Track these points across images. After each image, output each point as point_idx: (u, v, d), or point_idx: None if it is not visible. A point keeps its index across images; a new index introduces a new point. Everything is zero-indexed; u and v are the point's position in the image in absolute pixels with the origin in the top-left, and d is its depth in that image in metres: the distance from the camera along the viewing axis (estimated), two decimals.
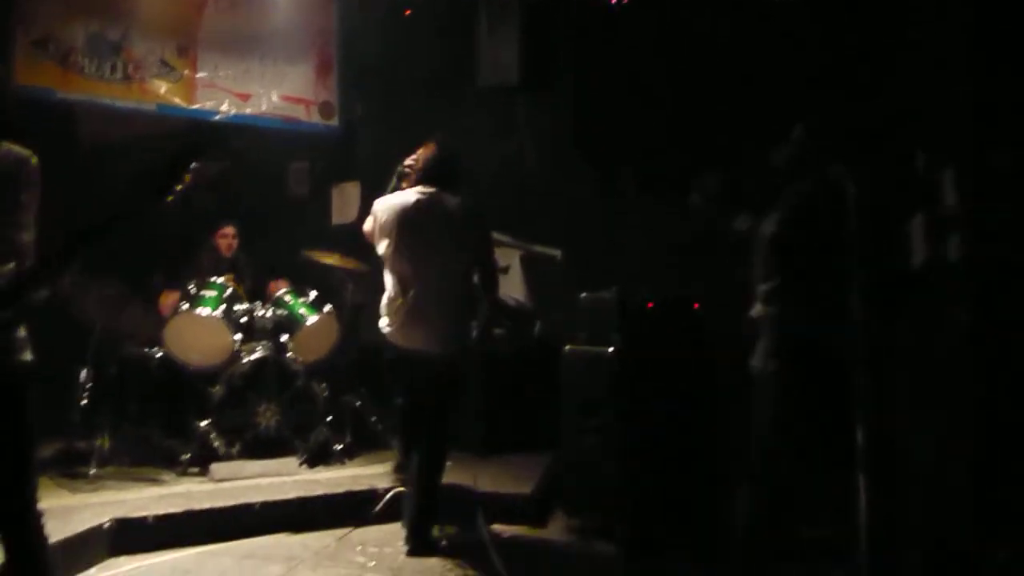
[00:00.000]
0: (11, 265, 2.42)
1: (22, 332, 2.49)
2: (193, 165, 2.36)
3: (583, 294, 4.71)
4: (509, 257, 6.59)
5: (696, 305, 4.78)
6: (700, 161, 5.67)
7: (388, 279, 4.14)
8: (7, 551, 2.48)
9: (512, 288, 6.58)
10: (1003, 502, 3.53)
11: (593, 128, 6.06)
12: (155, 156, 2.54)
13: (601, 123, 6.09)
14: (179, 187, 2.36)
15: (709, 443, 4.40)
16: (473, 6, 5.91)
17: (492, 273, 4.22)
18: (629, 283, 4.75)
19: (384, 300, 4.15)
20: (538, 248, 6.48)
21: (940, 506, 3.61)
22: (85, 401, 5.04)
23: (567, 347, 4.66)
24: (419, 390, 4.11)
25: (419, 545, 4.06)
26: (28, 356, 2.49)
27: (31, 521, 2.54)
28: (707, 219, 5.61)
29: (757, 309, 3.49)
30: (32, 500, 2.54)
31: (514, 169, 6.37)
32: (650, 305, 4.62)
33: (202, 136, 2.55)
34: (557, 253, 6.45)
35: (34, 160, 2.56)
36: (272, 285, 5.82)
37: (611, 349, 4.40)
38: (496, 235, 6.51)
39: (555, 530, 4.59)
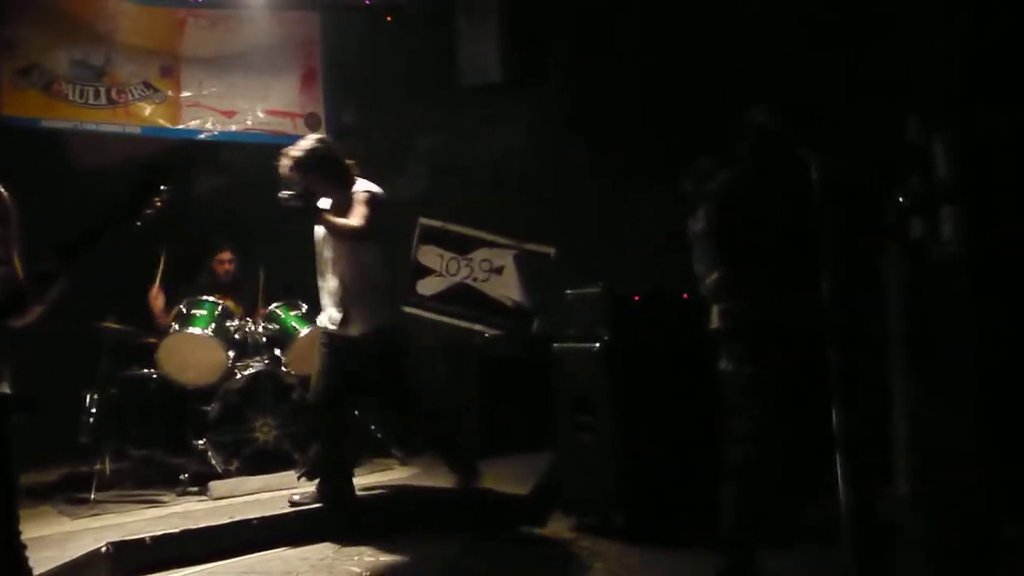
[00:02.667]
0: None
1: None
2: (163, 188, 2.37)
3: (569, 290, 4.68)
4: (503, 256, 6.58)
5: (685, 296, 4.73)
6: (691, 148, 5.64)
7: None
8: None
9: (507, 287, 6.57)
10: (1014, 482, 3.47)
11: (582, 120, 6.02)
12: (127, 179, 2.54)
13: (589, 114, 6.06)
14: (150, 210, 2.37)
15: (701, 433, 4.35)
16: (451, 8, 5.90)
17: None
18: (621, 277, 4.72)
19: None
20: (530, 246, 6.45)
21: (950, 487, 3.54)
22: (91, 423, 5.09)
23: (556, 344, 4.63)
24: None
25: None
26: (6, 388, 2.49)
27: (16, 551, 2.54)
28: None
29: (712, 311, 3.43)
30: (15, 531, 2.54)
31: (503, 168, 6.33)
32: (636, 298, 4.58)
33: (174, 158, 2.58)
34: (550, 250, 6.42)
35: (5, 194, 2.56)
36: (260, 311, 5.82)
37: (597, 344, 4.37)
38: (489, 235, 6.55)
39: (555, 529, 4.56)
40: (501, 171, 6.38)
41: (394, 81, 6.49)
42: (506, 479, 5.04)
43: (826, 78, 4.78)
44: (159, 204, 2.44)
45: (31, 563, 2.61)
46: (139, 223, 2.43)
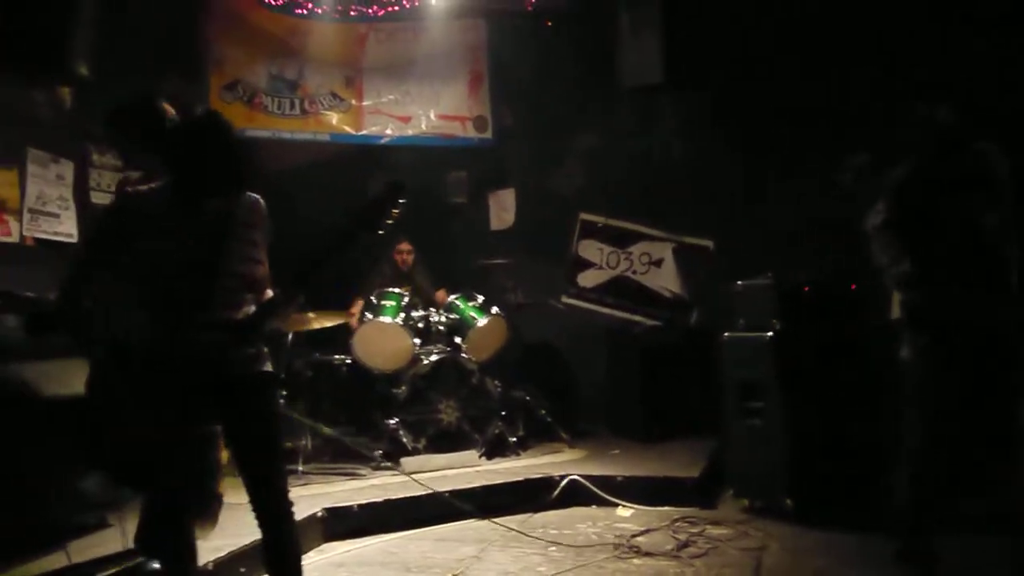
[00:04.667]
0: (250, 295, 2.89)
1: (264, 348, 2.95)
2: (400, 202, 2.74)
3: (738, 281, 4.87)
4: (662, 249, 6.83)
5: (853, 287, 4.87)
6: (847, 143, 5.75)
7: None
8: (265, 532, 2.93)
9: (666, 279, 6.81)
10: None
11: (738, 116, 6.17)
12: (356, 191, 2.91)
13: (746, 111, 6.20)
14: (389, 222, 2.74)
15: (869, 419, 4.50)
16: (612, 11, 6.16)
17: None
18: (780, 268, 4.88)
19: None
20: (689, 239, 6.66)
21: None
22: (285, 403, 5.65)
23: (726, 334, 4.84)
24: None
25: None
26: (270, 366, 2.95)
27: (287, 506, 2.95)
28: (856, 198, 5.68)
29: (894, 301, 3.57)
30: (286, 487, 2.97)
31: (661, 164, 6.55)
32: (805, 289, 4.74)
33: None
34: (709, 244, 6.61)
35: (262, 201, 3.02)
36: (439, 294, 6.29)
37: (770, 334, 4.56)
38: (648, 229, 6.81)
39: (725, 510, 4.78)
40: (657, 167, 6.61)
41: (554, 82, 6.80)
42: (672, 463, 5.30)
43: (975, 72, 4.82)
44: (396, 216, 2.80)
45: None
46: (380, 233, 2.80)
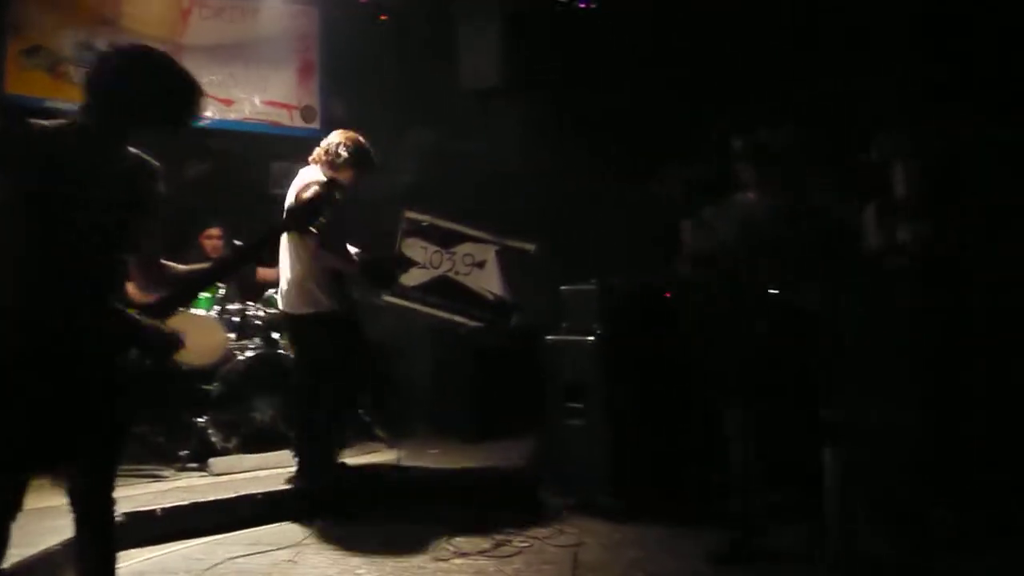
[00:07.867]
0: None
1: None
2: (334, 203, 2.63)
3: (563, 286, 4.99)
4: (485, 251, 6.87)
5: (667, 294, 5.09)
6: (668, 153, 6.04)
7: None
8: (85, 538, 2.56)
9: (488, 281, 6.85)
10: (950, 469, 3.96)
11: (573, 122, 6.32)
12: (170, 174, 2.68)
13: (579, 118, 6.37)
14: (322, 220, 2.62)
15: (684, 419, 4.73)
16: (447, 12, 6.16)
17: None
18: (607, 273, 5.04)
19: None
20: (512, 242, 6.75)
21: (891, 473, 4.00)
22: None
23: (549, 336, 4.94)
24: None
25: None
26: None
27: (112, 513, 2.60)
28: (672, 208, 5.98)
29: None
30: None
31: (489, 167, 6.58)
32: (627, 295, 4.92)
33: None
34: (530, 247, 6.72)
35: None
36: (260, 272, 6.03)
37: (591, 337, 4.70)
38: (472, 231, 6.84)
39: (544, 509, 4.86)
40: (485, 171, 6.65)
41: (387, 78, 6.70)
42: (492, 463, 5.34)
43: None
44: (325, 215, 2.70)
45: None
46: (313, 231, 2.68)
